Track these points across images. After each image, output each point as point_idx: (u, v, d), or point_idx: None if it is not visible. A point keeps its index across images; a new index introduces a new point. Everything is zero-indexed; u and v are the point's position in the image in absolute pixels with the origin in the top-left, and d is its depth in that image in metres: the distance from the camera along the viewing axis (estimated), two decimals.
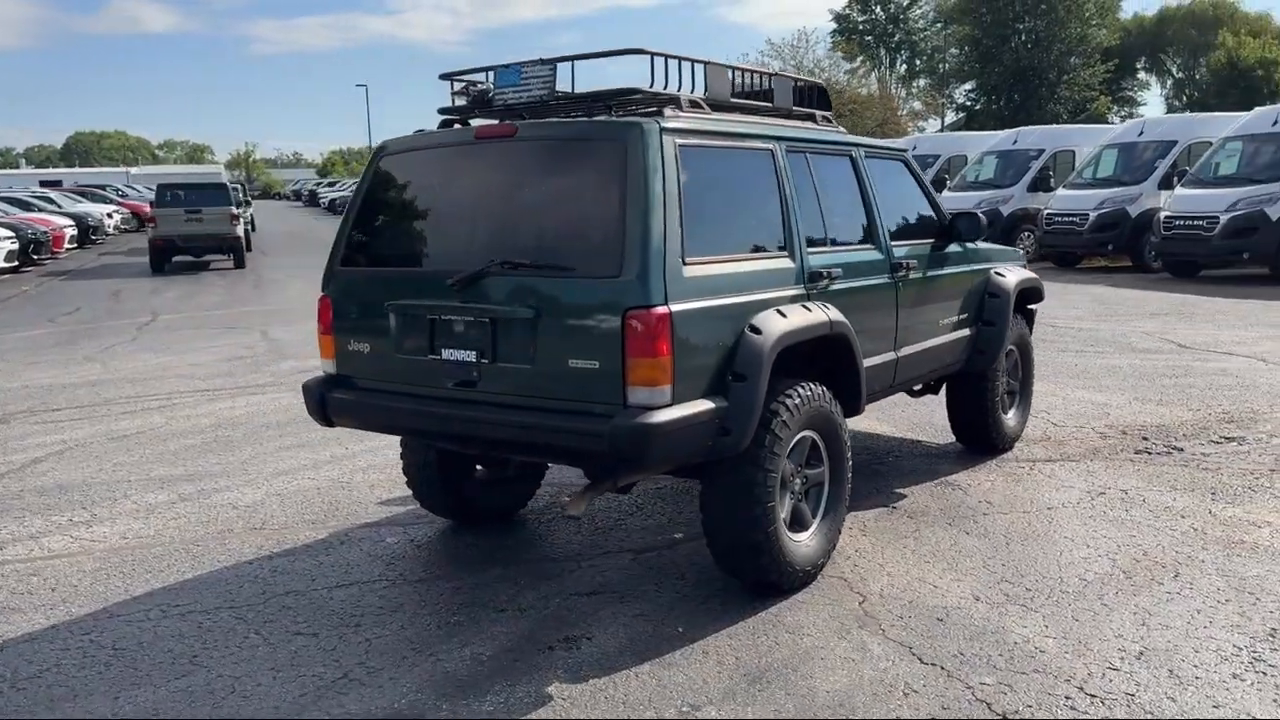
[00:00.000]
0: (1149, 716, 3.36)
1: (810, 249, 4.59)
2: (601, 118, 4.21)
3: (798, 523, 4.42)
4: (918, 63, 65.04)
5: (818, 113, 5.32)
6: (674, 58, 4.39)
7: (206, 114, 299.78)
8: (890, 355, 5.20)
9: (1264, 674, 3.62)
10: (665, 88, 4.34)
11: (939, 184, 22.64)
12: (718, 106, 4.57)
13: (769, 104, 4.99)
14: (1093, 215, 18.30)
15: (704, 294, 3.93)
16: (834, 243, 4.85)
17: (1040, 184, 20.74)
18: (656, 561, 4.81)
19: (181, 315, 15.00)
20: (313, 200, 66.51)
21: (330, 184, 72.05)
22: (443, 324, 4.21)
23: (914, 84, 63.42)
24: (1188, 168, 17.82)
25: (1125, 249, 18.44)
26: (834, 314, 4.49)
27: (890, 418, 7.42)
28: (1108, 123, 42.49)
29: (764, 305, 4.19)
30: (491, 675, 3.72)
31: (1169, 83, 64.61)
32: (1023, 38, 52.58)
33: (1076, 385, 8.48)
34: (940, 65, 61.68)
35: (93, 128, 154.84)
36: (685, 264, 3.87)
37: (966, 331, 6.00)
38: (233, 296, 17.50)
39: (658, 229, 3.78)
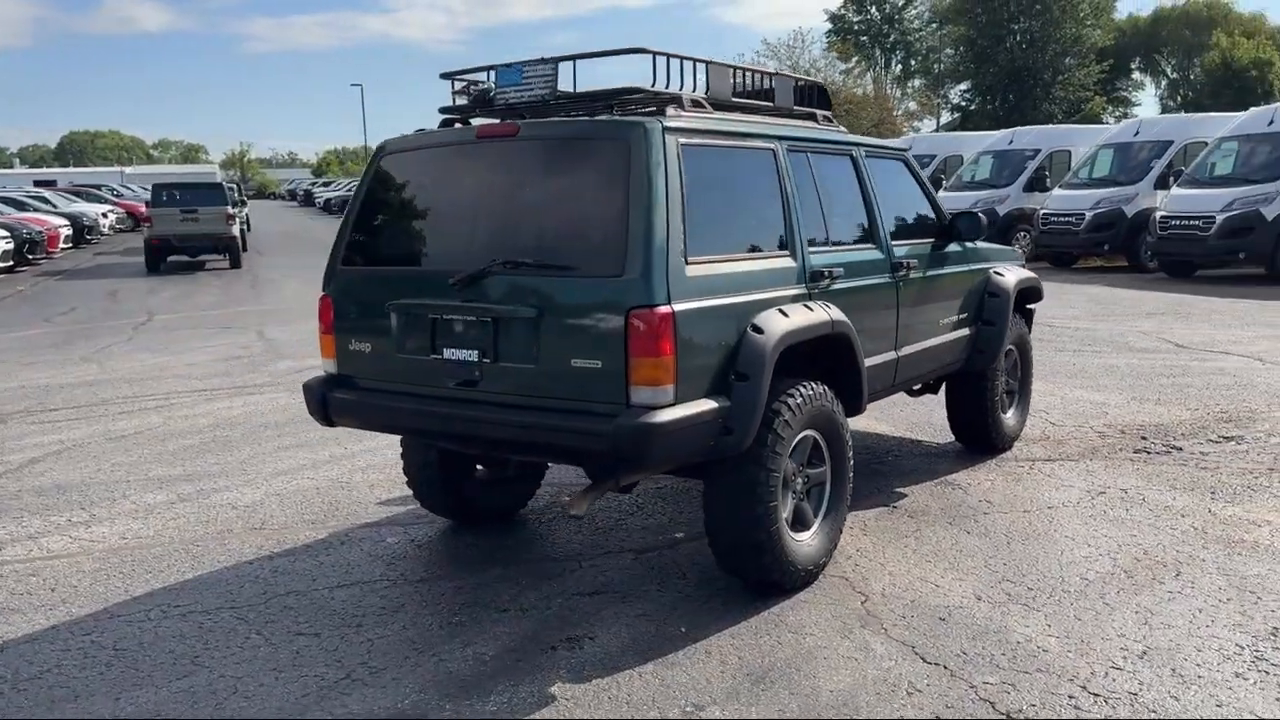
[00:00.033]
0: (1153, 715, 3.36)
1: (812, 248, 4.59)
2: (603, 117, 4.21)
3: (799, 522, 4.42)
4: (913, 63, 65.13)
5: (818, 112, 5.32)
6: (676, 57, 4.39)
7: (201, 113, 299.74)
8: (891, 355, 5.20)
9: (1267, 673, 3.62)
10: (667, 87, 4.34)
11: (935, 184, 22.63)
12: (719, 106, 4.57)
13: (770, 103, 4.99)
14: (1089, 215, 18.33)
15: (706, 293, 3.93)
16: (835, 242, 4.85)
17: (1036, 184, 20.77)
18: (658, 561, 4.81)
19: (178, 315, 14.97)
20: (308, 200, 66.43)
21: (326, 184, 71.97)
22: (444, 323, 4.20)
23: (909, 84, 63.52)
24: (1183, 168, 17.85)
25: (1121, 249, 18.48)
26: (835, 313, 4.48)
27: (889, 417, 7.42)
28: (1102, 123, 42.58)
29: (766, 305, 4.19)
30: (495, 675, 3.71)
31: (1163, 83, 64.80)
32: (1018, 38, 52.71)
33: (1074, 385, 8.49)
34: (935, 65, 61.74)
35: (87, 127, 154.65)
36: (688, 263, 3.87)
37: (966, 331, 6.01)
38: (229, 296, 17.48)
39: (660, 228, 3.78)
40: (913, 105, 57.24)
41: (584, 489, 4.21)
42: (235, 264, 22.65)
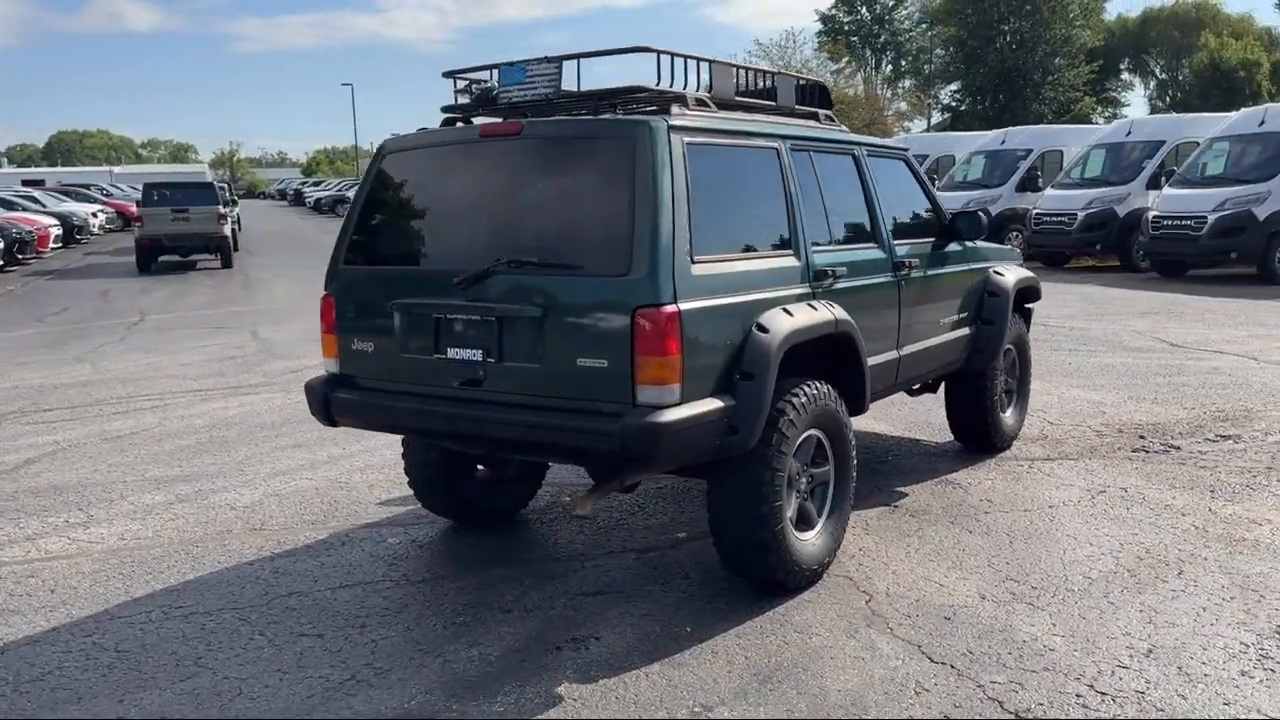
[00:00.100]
0: (1160, 714, 3.37)
1: (815, 248, 4.59)
2: (607, 116, 4.20)
3: (803, 521, 4.42)
4: (903, 63, 65.20)
5: (821, 111, 5.31)
6: (680, 55, 4.38)
7: (190, 113, 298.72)
8: (893, 354, 5.20)
9: (1273, 671, 3.63)
10: (671, 85, 4.33)
11: None
12: (723, 105, 4.56)
13: (773, 103, 4.98)
14: (1081, 215, 18.39)
15: (712, 292, 3.92)
16: (838, 241, 4.85)
17: (1028, 184, 20.83)
18: (661, 561, 4.80)
19: (170, 315, 14.91)
20: (298, 200, 66.27)
21: (316, 183, 71.82)
22: (448, 323, 4.18)
23: (900, 85, 63.58)
24: (1175, 168, 17.91)
25: (1113, 249, 18.54)
26: (839, 313, 4.48)
27: (888, 416, 7.42)
28: (1092, 123, 42.71)
29: (770, 304, 4.18)
30: (501, 676, 3.70)
31: (1152, 83, 65.04)
32: (1008, 39, 52.82)
33: (1071, 384, 8.51)
34: (926, 66, 61.82)
35: (75, 126, 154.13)
36: (693, 262, 3.86)
37: (966, 330, 6.01)
38: (221, 296, 17.41)
39: (666, 227, 3.77)
40: (903, 106, 57.34)
41: (589, 489, 4.20)
42: (226, 264, 22.56)
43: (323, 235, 34.87)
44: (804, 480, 4.40)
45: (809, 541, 4.38)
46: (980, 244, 6.22)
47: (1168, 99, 61.01)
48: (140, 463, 6.69)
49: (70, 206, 33.95)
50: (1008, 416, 6.57)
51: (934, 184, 22.13)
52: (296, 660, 3.85)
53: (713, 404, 3.87)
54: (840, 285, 4.65)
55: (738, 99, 4.77)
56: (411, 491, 5.32)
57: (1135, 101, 67.21)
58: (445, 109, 4.68)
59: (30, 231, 24.40)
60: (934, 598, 4.30)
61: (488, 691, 3.59)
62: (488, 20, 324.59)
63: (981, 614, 4.13)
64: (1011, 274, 6.37)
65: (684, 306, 3.75)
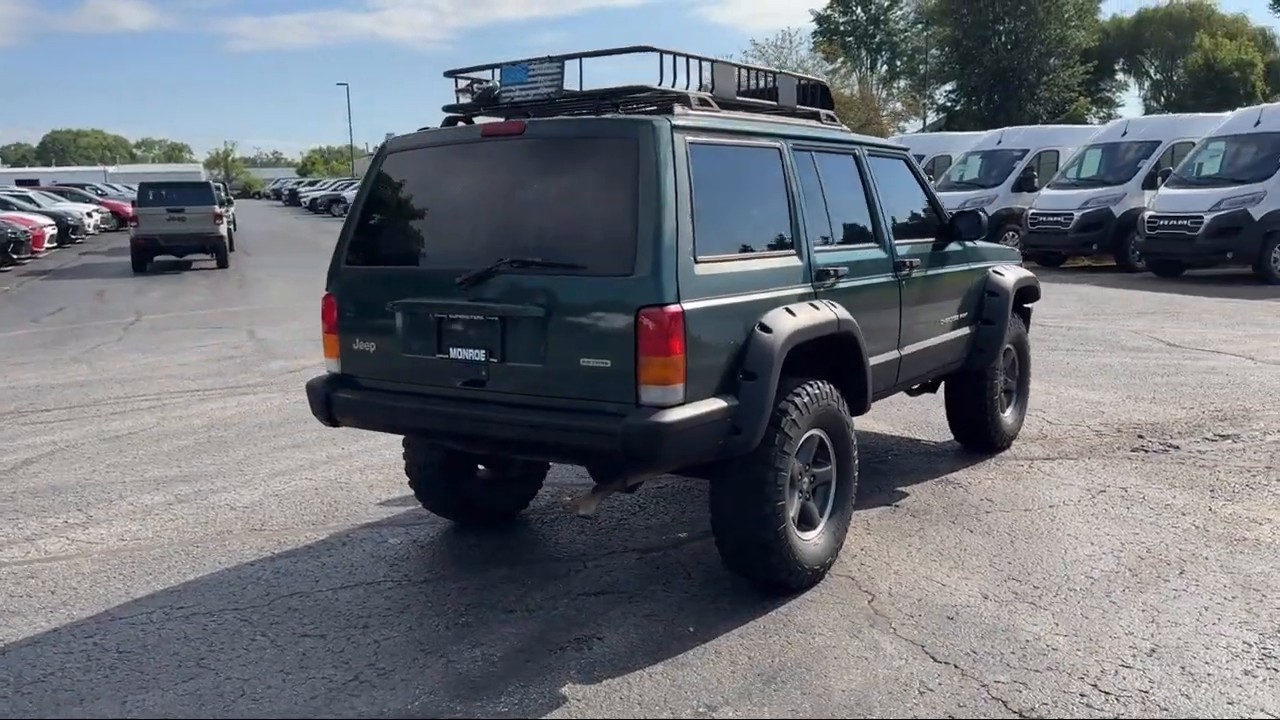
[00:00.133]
0: (1165, 714, 3.37)
1: (817, 247, 4.59)
2: (610, 115, 4.19)
3: (805, 521, 4.41)
4: (898, 64, 65.21)
5: (822, 111, 5.31)
6: (683, 55, 4.37)
7: (184, 112, 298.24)
8: (894, 354, 5.20)
9: (1276, 670, 3.63)
10: (674, 85, 4.33)
11: None
12: (725, 104, 4.55)
13: (774, 102, 4.98)
14: (1077, 215, 18.41)
15: (715, 292, 3.92)
16: (839, 241, 4.85)
17: (1025, 184, 20.86)
18: (663, 561, 4.79)
19: (167, 315, 14.87)
20: (293, 199, 66.17)
21: (311, 183, 71.73)
22: (450, 323, 4.18)
23: (895, 85, 63.59)
24: (1171, 168, 17.94)
25: (1109, 249, 18.57)
26: (841, 312, 4.48)
27: (887, 416, 7.43)
28: (1086, 123, 42.79)
29: (773, 303, 4.18)
30: (505, 676, 3.69)
31: (1147, 84, 65.15)
32: (1002, 39, 52.88)
33: (1069, 384, 8.52)
34: (921, 66, 61.87)
35: (69, 126, 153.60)
36: (697, 262, 3.86)
37: (966, 330, 6.02)
38: (217, 296, 17.37)
39: (670, 227, 3.77)
40: (899, 106, 57.37)
41: (592, 489, 4.20)
42: (222, 264, 22.50)
43: (318, 235, 34.84)
44: (806, 480, 4.41)
45: (811, 541, 4.38)
46: (980, 244, 6.23)
47: (1162, 99, 61.12)
48: (139, 463, 6.67)
49: (65, 206, 33.87)
50: (1007, 416, 6.58)
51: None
52: (299, 661, 3.84)
53: (716, 404, 3.87)
54: (842, 285, 4.65)
55: (740, 99, 4.77)
56: (412, 492, 5.31)
57: (1130, 102, 67.38)
58: (447, 108, 4.67)
59: (25, 231, 24.32)
60: (936, 597, 4.31)
61: (492, 692, 3.58)
62: (485, 20, 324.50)
63: (984, 614, 4.14)
64: (1011, 274, 6.37)
65: (687, 306, 3.75)
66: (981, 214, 5.99)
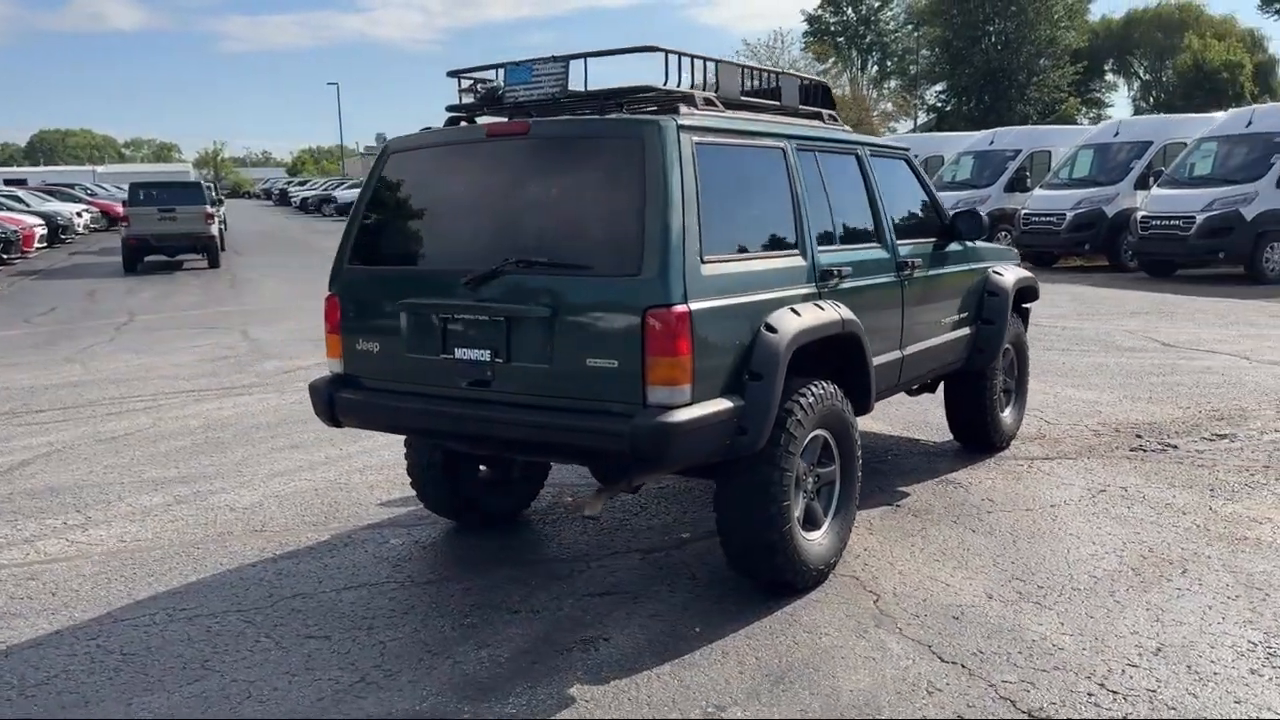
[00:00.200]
0: (1173, 713, 3.38)
1: (820, 247, 4.59)
2: (615, 115, 4.18)
3: (810, 522, 4.41)
4: (889, 64, 65.35)
5: (824, 111, 5.31)
6: (687, 55, 4.37)
7: (174, 112, 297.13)
8: (896, 354, 5.21)
9: None
10: (678, 85, 4.32)
11: None
12: (729, 104, 4.55)
13: (777, 102, 4.98)
14: (1070, 215, 18.47)
15: (721, 292, 3.91)
16: (842, 241, 4.85)
17: (1017, 184, 20.92)
18: (666, 561, 4.79)
19: (159, 315, 14.81)
20: (284, 199, 65.93)
21: (301, 183, 71.55)
22: (455, 323, 4.16)
23: (885, 85, 63.72)
24: (1163, 168, 18.00)
25: (1102, 249, 18.64)
26: (845, 313, 4.48)
27: (886, 416, 7.43)
28: (1076, 124, 42.92)
29: (778, 304, 4.18)
30: (512, 677, 3.68)
31: (1136, 84, 65.41)
32: (993, 39, 53.01)
33: (1066, 383, 8.54)
34: (911, 67, 61.99)
35: (57, 125, 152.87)
36: (703, 262, 3.85)
37: (966, 330, 6.02)
38: (209, 296, 17.31)
39: (676, 227, 3.76)
40: (889, 106, 57.48)
41: (597, 490, 4.19)
42: (214, 264, 22.41)
43: (309, 235, 34.77)
44: (811, 480, 4.41)
45: (816, 541, 4.38)
46: (979, 244, 6.24)
47: (1151, 100, 61.38)
48: (136, 464, 6.64)
49: (55, 206, 33.69)
50: (1006, 416, 6.59)
51: None
52: (304, 662, 3.82)
53: (722, 404, 3.87)
54: (845, 285, 4.65)
55: (743, 99, 4.76)
56: (412, 492, 5.30)
57: (1119, 102, 67.57)
58: (450, 108, 4.66)
59: (15, 231, 24.22)
60: (941, 597, 4.31)
61: (499, 693, 3.57)
62: (474, 20, 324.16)
63: (989, 613, 4.14)
64: (1010, 274, 6.39)
65: (694, 306, 3.74)
66: (983, 214, 6.00)
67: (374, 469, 6.39)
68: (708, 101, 4.34)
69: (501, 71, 4.51)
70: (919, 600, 4.28)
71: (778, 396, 4.01)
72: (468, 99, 4.65)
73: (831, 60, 57.83)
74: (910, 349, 5.34)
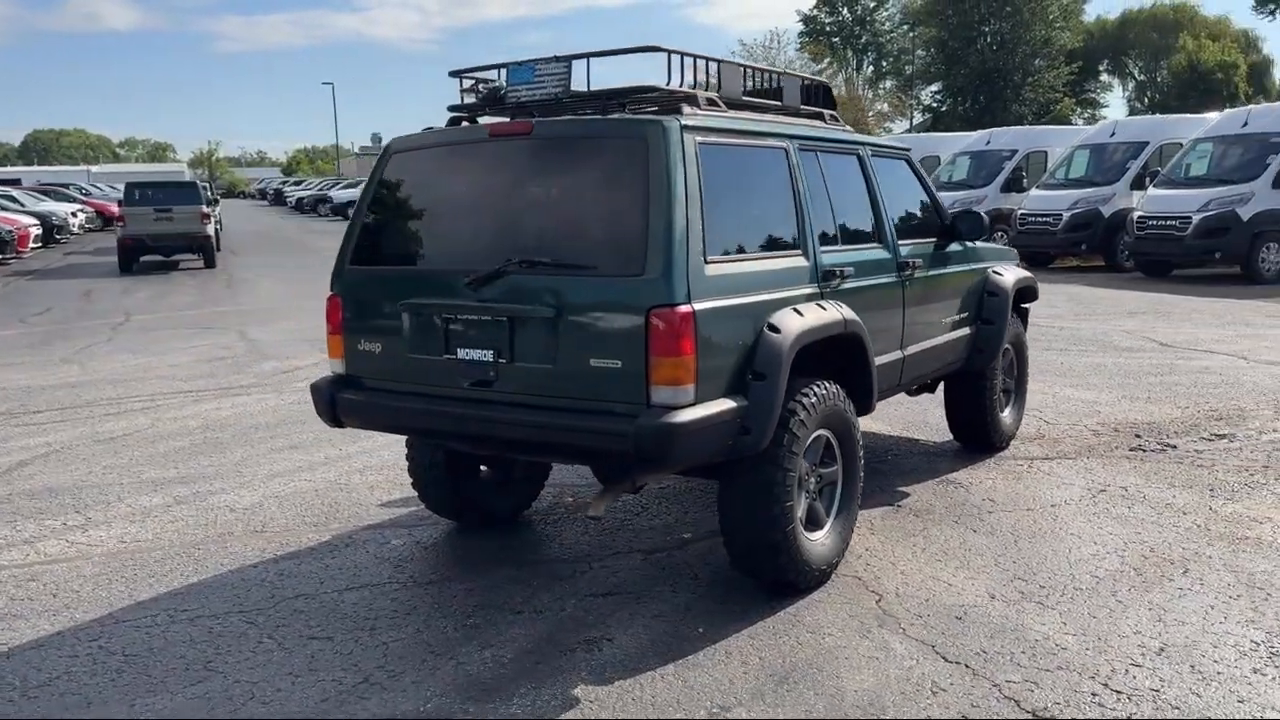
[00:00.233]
0: (1177, 713, 3.38)
1: (823, 248, 4.59)
2: (618, 115, 4.17)
3: (812, 522, 4.41)
4: (884, 64, 65.41)
5: (825, 111, 5.31)
6: (690, 55, 4.37)
7: (168, 112, 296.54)
8: (897, 354, 5.21)
9: None
10: (681, 85, 4.32)
11: None
12: (731, 104, 4.55)
13: (779, 102, 4.98)
14: (1066, 215, 18.50)
15: (725, 292, 3.91)
16: (844, 241, 4.85)
17: (1013, 184, 20.94)
18: (668, 562, 4.79)
19: (156, 315, 14.78)
20: (279, 199, 65.88)
21: (297, 183, 71.46)
22: (458, 323, 4.16)
23: (881, 85, 63.78)
24: (1159, 168, 18.04)
25: (1098, 249, 18.66)
26: (847, 313, 4.48)
27: (885, 416, 7.43)
28: (1071, 124, 43.01)
29: (781, 304, 4.18)
30: (515, 678, 3.68)
31: (1131, 85, 65.57)
32: (988, 40, 53.12)
33: (1064, 383, 8.55)
34: (907, 67, 62.07)
35: (52, 125, 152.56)
36: (707, 262, 3.85)
37: (967, 330, 6.03)
38: (205, 296, 17.27)
39: (680, 227, 3.76)
40: (884, 107, 57.54)
41: (601, 491, 4.20)
42: (210, 264, 22.36)
43: (305, 235, 34.74)
44: (813, 480, 4.41)
45: (819, 542, 4.38)
46: (979, 244, 6.24)
47: (1146, 100, 61.52)
48: (135, 464, 6.62)
49: (50, 206, 33.59)
50: (1006, 416, 6.60)
51: None
52: (308, 663, 3.82)
53: (726, 404, 3.87)
54: (847, 285, 4.65)
55: (745, 99, 4.76)
56: (412, 493, 5.29)
57: (1114, 103, 67.73)
58: (452, 108, 4.65)
59: (10, 231, 24.15)
60: (943, 597, 4.31)
61: (504, 694, 3.57)
62: (470, 20, 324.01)
63: (992, 613, 4.14)
64: (1010, 274, 6.39)
65: (698, 306, 3.74)
66: (983, 215, 6.00)
67: (374, 469, 6.38)
68: (710, 102, 4.34)
69: (504, 71, 4.50)
70: (921, 600, 4.29)
71: (781, 396, 4.01)
72: (469, 99, 4.65)
73: (827, 60, 57.91)
74: (911, 349, 5.35)
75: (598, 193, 4.06)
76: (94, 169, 72.57)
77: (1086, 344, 10.57)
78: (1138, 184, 18.25)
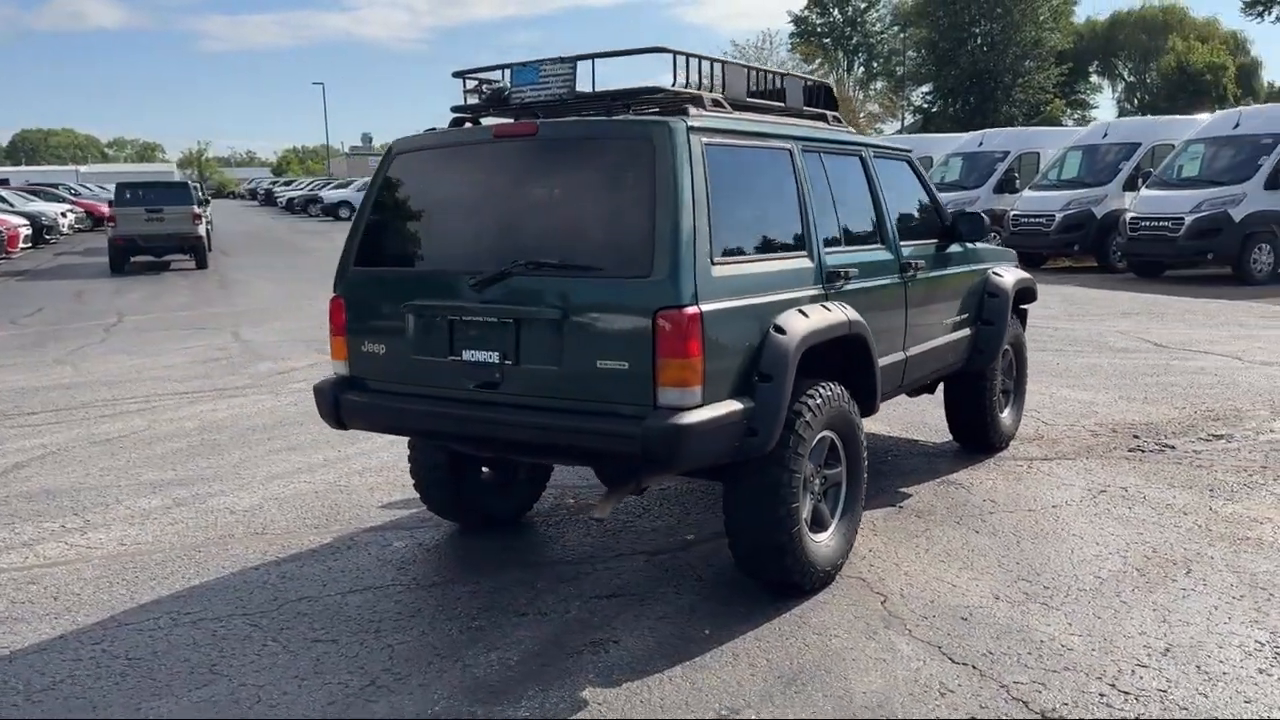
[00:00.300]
0: (1185, 713, 3.39)
1: (827, 249, 4.59)
2: (623, 116, 4.17)
3: (817, 523, 4.41)
4: (875, 65, 65.57)
5: (828, 113, 5.32)
6: (695, 56, 4.37)
7: (157, 111, 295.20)
8: (900, 355, 5.21)
9: None
10: (687, 86, 4.32)
11: None
12: (735, 105, 4.55)
13: (781, 104, 4.98)
14: (1059, 216, 18.55)
15: (731, 294, 3.91)
16: (848, 242, 4.86)
17: (1006, 185, 21.00)
18: (671, 563, 4.78)
19: (149, 316, 14.71)
20: (269, 199, 65.65)
21: (287, 183, 71.26)
22: (463, 325, 4.15)
23: (872, 86, 63.94)
24: (1151, 169, 18.11)
25: (1091, 250, 18.72)
26: (852, 314, 4.49)
27: (885, 417, 7.41)
28: (1061, 124, 43.16)
29: (787, 305, 4.18)
30: (523, 680, 3.66)
31: (1120, 86, 65.77)
32: (979, 41, 53.31)
33: (1061, 384, 8.58)
34: (898, 68, 62.26)
35: (39, 125, 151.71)
36: (713, 264, 3.85)
37: (967, 331, 6.04)
38: (198, 297, 17.21)
39: (687, 228, 3.76)
40: (875, 108, 57.67)
41: (607, 492, 4.19)
42: (201, 264, 22.28)
43: (296, 235, 34.65)
44: (818, 482, 4.40)
45: (823, 543, 4.38)
46: (979, 245, 6.25)
47: (1136, 101, 61.74)
48: (133, 466, 6.59)
49: (39, 206, 33.43)
50: (1005, 417, 6.61)
51: None
52: (313, 666, 3.80)
53: (732, 406, 3.86)
54: (851, 286, 4.65)
55: (749, 100, 4.76)
56: (412, 494, 5.28)
57: (1104, 104, 67.81)
58: (455, 109, 4.64)
59: (0, 231, 24.02)
60: (948, 598, 4.31)
61: (511, 696, 3.55)
62: (460, 19, 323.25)
63: (997, 614, 4.15)
64: (1010, 275, 6.41)
65: (705, 308, 3.74)
66: (984, 216, 6.01)
67: (373, 471, 6.37)
68: (716, 103, 4.34)
69: (508, 72, 4.49)
70: (926, 601, 4.29)
71: (787, 398, 4.01)
72: (472, 100, 4.63)
73: (818, 61, 57.98)
74: (913, 350, 5.35)
75: (604, 194, 4.05)
76: (83, 169, 72.38)
77: (1082, 345, 10.60)
78: (1130, 185, 18.32)
